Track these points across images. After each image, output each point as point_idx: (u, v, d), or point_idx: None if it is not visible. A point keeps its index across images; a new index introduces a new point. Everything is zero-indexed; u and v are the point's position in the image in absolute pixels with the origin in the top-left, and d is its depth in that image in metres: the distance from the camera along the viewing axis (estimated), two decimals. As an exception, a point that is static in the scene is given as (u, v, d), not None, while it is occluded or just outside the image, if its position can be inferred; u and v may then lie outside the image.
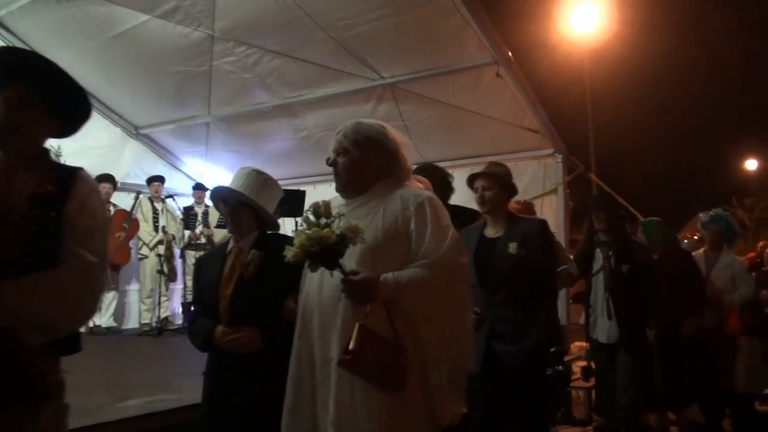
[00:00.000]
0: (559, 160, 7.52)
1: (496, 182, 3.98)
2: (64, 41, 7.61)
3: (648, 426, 5.60)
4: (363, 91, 7.42)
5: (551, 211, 7.43)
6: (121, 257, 8.35)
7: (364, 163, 2.88)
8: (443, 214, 2.84)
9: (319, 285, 2.77)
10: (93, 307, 2.36)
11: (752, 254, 11.91)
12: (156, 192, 8.96)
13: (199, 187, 9.16)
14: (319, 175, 8.27)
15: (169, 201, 8.98)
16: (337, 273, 2.62)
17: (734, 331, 6.20)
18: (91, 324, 7.75)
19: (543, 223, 4.09)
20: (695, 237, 13.32)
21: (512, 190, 4.11)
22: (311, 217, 2.65)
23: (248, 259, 3.14)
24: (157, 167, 9.80)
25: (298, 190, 7.82)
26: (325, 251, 2.57)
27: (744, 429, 6.70)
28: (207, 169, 9.89)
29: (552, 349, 5.18)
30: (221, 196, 3.31)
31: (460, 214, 4.31)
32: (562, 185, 7.53)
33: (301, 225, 2.66)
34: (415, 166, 3.73)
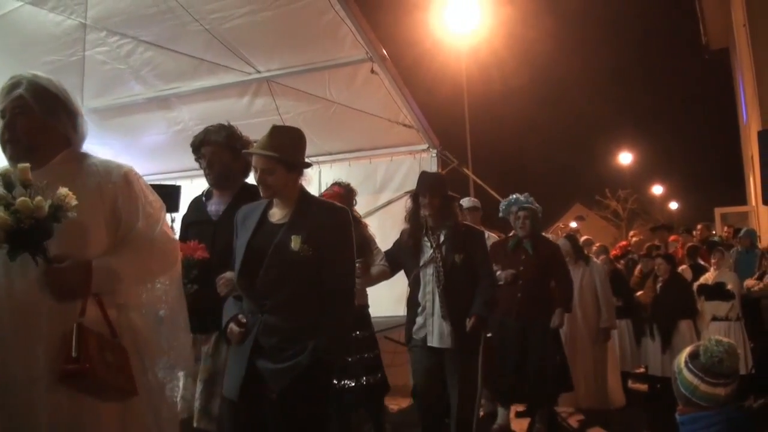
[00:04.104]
0: (434, 155, 7.71)
1: (278, 162, 3.12)
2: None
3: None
4: (239, 85, 7.35)
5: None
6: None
7: (48, 126, 2.35)
8: (150, 188, 2.51)
9: (5, 278, 2.16)
10: None
11: (624, 243, 12.64)
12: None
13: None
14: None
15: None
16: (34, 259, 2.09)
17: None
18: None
19: (342, 212, 3.25)
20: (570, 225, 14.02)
21: (300, 166, 3.25)
22: (1, 191, 2.08)
23: None
24: (28, 161, 9.34)
25: (174, 185, 7.67)
26: (37, 228, 2.03)
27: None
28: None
29: (366, 355, 4.82)
30: None
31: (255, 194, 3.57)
32: (436, 179, 7.67)
33: None
34: None
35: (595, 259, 7.52)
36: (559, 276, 5.73)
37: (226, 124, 3.92)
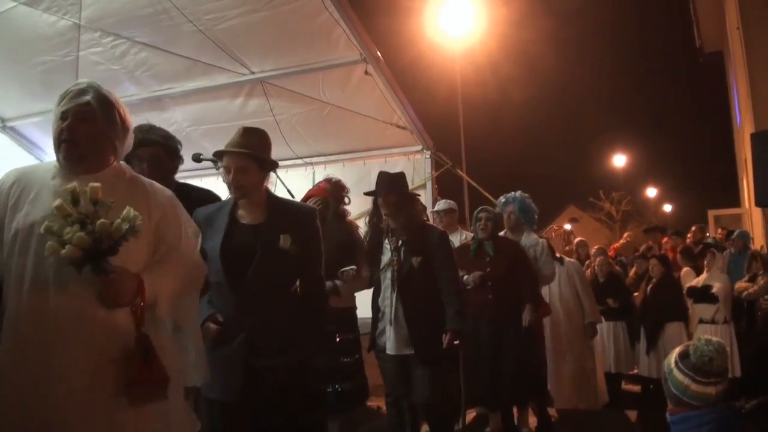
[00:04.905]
0: (427, 156, 7.72)
1: (253, 161, 3.18)
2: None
3: None
4: (233, 86, 7.35)
5: (420, 206, 7.57)
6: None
7: (106, 136, 2.41)
8: (186, 212, 2.62)
9: (57, 278, 2.21)
10: None
11: (617, 245, 12.69)
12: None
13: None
14: (187, 171, 8.04)
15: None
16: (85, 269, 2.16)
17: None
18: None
19: (312, 211, 3.41)
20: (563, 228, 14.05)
21: (270, 165, 3.29)
22: (69, 207, 2.16)
23: None
24: (24, 162, 9.29)
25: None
26: (112, 247, 2.15)
27: (611, 407, 7.13)
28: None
29: (346, 360, 4.74)
30: None
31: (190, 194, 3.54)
32: (430, 180, 7.72)
33: (53, 213, 2.16)
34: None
35: (568, 259, 7.50)
36: (524, 273, 5.62)
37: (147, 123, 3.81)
